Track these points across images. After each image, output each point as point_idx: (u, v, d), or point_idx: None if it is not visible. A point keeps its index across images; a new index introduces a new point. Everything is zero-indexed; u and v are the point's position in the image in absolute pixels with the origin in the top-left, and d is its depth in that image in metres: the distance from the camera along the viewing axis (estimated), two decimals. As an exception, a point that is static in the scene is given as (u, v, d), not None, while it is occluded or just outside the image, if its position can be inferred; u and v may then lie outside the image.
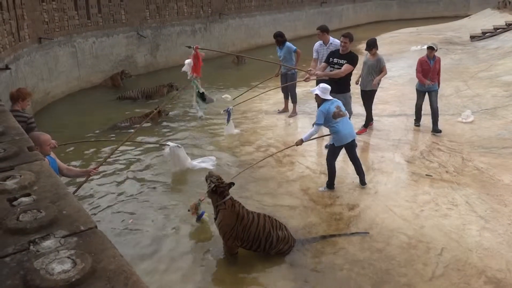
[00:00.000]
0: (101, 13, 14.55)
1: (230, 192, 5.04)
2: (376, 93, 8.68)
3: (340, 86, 7.38)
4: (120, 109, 11.36)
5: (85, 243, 1.27)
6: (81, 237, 1.30)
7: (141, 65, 16.23)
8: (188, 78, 6.75)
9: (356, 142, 7.92)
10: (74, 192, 5.35)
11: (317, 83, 8.88)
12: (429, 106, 8.44)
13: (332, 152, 6.45)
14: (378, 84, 8.42)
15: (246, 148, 8.35)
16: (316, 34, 8.98)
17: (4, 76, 9.29)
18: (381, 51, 16.72)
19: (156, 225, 5.87)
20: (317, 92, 6.27)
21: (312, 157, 7.81)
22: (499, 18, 19.83)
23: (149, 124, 9.54)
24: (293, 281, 4.74)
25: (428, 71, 8.33)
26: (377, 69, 8.21)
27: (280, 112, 10.30)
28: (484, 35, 17.64)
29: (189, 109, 10.65)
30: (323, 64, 7.97)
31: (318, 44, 8.92)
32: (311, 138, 6.45)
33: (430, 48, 8.29)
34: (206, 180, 5.05)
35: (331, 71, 7.67)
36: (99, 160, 7.39)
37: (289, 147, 7.37)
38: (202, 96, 7.18)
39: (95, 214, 6.05)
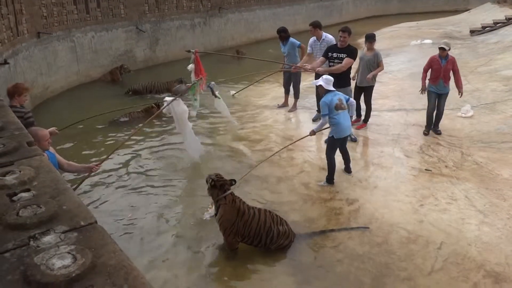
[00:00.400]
0: (100, 8, 14.50)
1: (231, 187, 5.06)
2: (376, 88, 8.65)
3: (340, 81, 7.37)
4: (120, 104, 11.33)
5: (85, 238, 1.26)
6: (81, 232, 1.30)
7: (140, 59, 16.20)
8: (193, 82, 7.06)
9: (356, 137, 7.96)
10: (75, 188, 5.35)
11: (316, 77, 8.90)
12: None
13: (332, 145, 6.49)
14: (375, 79, 8.39)
15: (246, 143, 8.34)
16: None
17: (2, 71, 9.28)
18: (381, 45, 16.76)
19: (155, 219, 5.88)
20: (321, 83, 6.34)
21: (311, 152, 7.81)
22: (499, 13, 19.77)
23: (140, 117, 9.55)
24: (293, 275, 4.76)
25: (439, 71, 7.72)
26: (374, 64, 8.17)
27: (280, 106, 10.29)
28: (484, 29, 17.59)
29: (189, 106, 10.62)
30: (321, 58, 7.95)
31: (312, 39, 8.95)
32: (322, 128, 6.61)
33: (441, 49, 7.70)
34: (207, 181, 5.06)
35: (330, 65, 7.66)
36: (99, 153, 7.39)
37: (302, 138, 7.45)
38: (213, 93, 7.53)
39: (96, 207, 6.06)
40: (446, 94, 7.90)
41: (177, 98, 7.05)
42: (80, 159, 7.71)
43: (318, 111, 9.09)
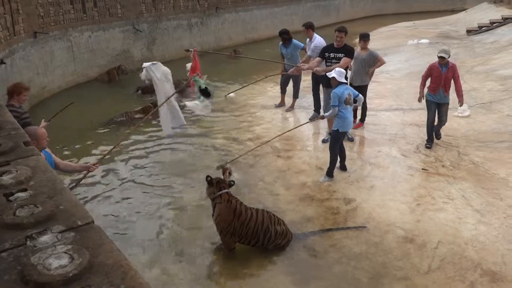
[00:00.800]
0: (96, 7, 14.47)
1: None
2: (373, 87, 8.67)
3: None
4: (117, 103, 11.32)
5: (82, 238, 1.26)
6: (78, 232, 1.30)
7: (138, 59, 16.14)
8: (189, 79, 6.96)
9: (353, 136, 7.98)
10: (72, 188, 5.34)
11: (313, 77, 8.93)
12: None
13: (337, 138, 6.59)
14: (370, 78, 8.41)
15: (241, 141, 8.35)
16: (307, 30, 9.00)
17: (-1, 71, 9.25)
18: (378, 45, 16.80)
19: (152, 219, 5.88)
20: (334, 75, 6.45)
21: (309, 151, 7.82)
22: (495, 12, 19.83)
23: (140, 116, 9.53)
24: (290, 275, 4.76)
25: (439, 80, 7.20)
26: (370, 62, 8.18)
27: (277, 106, 10.30)
28: (481, 29, 17.64)
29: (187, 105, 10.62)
30: (317, 58, 7.95)
31: (308, 40, 9.02)
32: (329, 116, 6.75)
33: (441, 58, 7.15)
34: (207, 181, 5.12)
35: (327, 65, 7.66)
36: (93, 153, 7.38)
37: (305, 124, 7.76)
38: (205, 92, 7.28)
39: (92, 207, 6.04)
40: (447, 103, 7.38)
41: (156, 62, 6.69)
42: (76, 159, 7.70)
43: (315, 110, 9.11)
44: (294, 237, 5.25)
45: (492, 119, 8.52)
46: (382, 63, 8.38)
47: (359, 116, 8.68)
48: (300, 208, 6.02)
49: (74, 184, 5.72)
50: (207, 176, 5.07)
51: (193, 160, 7.72)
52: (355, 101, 6.59)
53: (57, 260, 1.16)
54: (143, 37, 16.22)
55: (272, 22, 22.53)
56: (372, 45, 8.36)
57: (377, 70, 8.94)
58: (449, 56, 7.19)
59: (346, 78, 7.95)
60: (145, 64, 6.64)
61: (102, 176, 7.15)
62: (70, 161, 7.07)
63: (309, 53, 8.89)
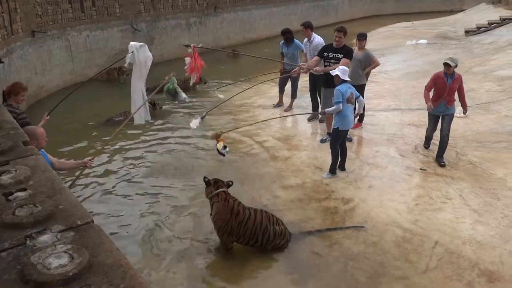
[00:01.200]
0: (95, 6, 14.46)
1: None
2: (371, 87, 8.67)
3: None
4: (115, 102, 11.30)
5: (82, 238, 1.27)
6: (78, 231, 1.30)
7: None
8: (186, 75, 6.82)
9: (351, 136, 7.98)
10: (70, 186, 5.34)
11: (310, 76, 8.92)
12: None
13: (337, 136, 6.63)
14: (367, 77, 8.42)
15: (239, 142, 8.35)
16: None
17: (-3, 70, 9.23)
18: (376, 45, 16.83)
19: (150, 218, 5.88)
20: (337, 73, 6.48)
21: (307, 151, 7.82)
22: (493, 13, 19.87)
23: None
24: (289, 274, 4.77)
25: (443, 91, 6.69)
26: (366, 63, 8.19)
27: (275, 106, 10.30)
28: (479, 30, 17.67)
29: (183, 103, 10.63)
30: (315, 58, 7.94)
31: (305, 40, 8.98)
32: (331, 112, 6.74)
33: (446, 65, 6.63)
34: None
35: (326, 65, 7.67)
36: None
37: (304, 113, 7.94)
38: (174, 93, 7.09)
39: (91, 206, 6.04)
40: (451, 115, 6.84)
41: (144, 44, 6.29)
42: (74, 159, 7.69)
43: (313, 110, 9.11)
44: (292, 237, 5.25)
45: (490, 120, 8.53)
46: (377, 64, 8.38)
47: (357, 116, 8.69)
48: (299, 208, 6.02)
49: (71, 181, 5.73)
50: (205, 177, 5.07)
51: (189, 160, 7.72)
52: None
53: (57, 260, 1.16)
54: (141, 36, 16.19)
55: (271, 21, 22.55)
56: (370, 45, 8.38)
57: (375, 70, 8.96)
58: (455, 66, 6.64)
59: None
60: (132, 44, 6.24)
61: (98, 175, 7.15)
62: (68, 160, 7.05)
63: (309, 54, 8.84)
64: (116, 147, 8.24)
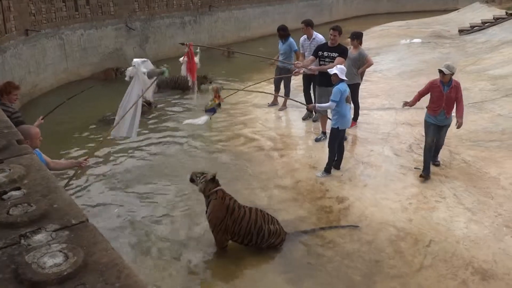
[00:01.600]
0: (89, 5, 14.39)
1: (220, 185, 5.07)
2: (366, 86, 8.69)
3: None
4: (110, 102, 11.25)
5: (77, 237, 1.26)
6: (73, 230, 1.29)
7: (130, 57, 15.96)
8: (183, 75, 6.79)
9: (346, 135, 8.00)
10: (65, 185, 5.31)
11: (304, 75, 8.91)
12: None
13: (336, 136, 6.67)
14: (362, 76, 8.44)
15: (234, 141, 8.35)
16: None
17: (-10, 68, 9.18)
18: (370, 44, 16.84)
19: (144, 217, 5.87)
20: (336, 71, 6.46)
21: (302, 150, 7.84)
22: (487, 12, 19.96)
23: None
24: (284, 273, 4.78)
25: (440, 99, 6.26)
26: (359, 62, 8.20)
27: (270, 105, 10.29)
28: (472, 29, 17.75)
29: (181, 101, 10.61)
30: (311, 57, 7.95)
31: (303, 38, 8.94)
32: (323, 109, 6.88)
33: (441, 73, 6.20)
34: (192, 180, 5.07)
35: (321, 64, 7.68)
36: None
37: (297, 101, 8.00)
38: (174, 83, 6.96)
39: (85, 205, 6.02)
40: (448, 126, 6.59)
41: (146, 60, 6.23)
42: (67, 158, 7.66)
43: (308, 109, 9.10)
44: (287, 236, 5.26)
45: (484, 119, 8.58)
46: (370, 64, 8.37)
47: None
48: (294, 207, 6.03)
49: (66, 181, 5.70)
50: (202, 176, 5.02)
51: (182, 159, 7.70)
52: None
53: (52, 259, 1.16)
54: (136, 35, 16.16)
55: (265, 20, 22.55)
56: (364, 44, 8.37)
57: (369, 69, 8.97)
58: (452, 74, 6.21)
59: None
60: (135, 60, 6.24)
61: (94, 174, 7.12)
62: (62, 159, 7.02)
63: (308, 51, 8.77)
64: (110, 147, 8.20)
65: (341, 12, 28.98)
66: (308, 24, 8.78)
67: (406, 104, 6.80)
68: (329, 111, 7.15)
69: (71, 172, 6.00)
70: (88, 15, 14.37)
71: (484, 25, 17.55)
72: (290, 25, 10.10)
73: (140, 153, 8.03)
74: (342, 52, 7.50)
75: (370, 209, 5.85)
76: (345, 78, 6.57)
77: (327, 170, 6.74)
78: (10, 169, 1.66)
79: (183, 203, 6.21)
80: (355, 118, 8.66)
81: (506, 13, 17.60)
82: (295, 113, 9.66)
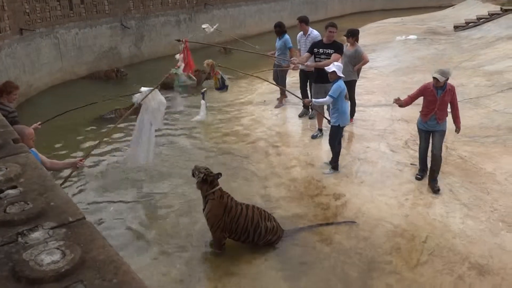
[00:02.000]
0: (83, 4, 14.34)
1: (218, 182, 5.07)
2: (362, 83, 8.70)
3: (327, 76, 7.40)
4: (107, 101, 11.22)
5: (74, 234, 1.26)
6: (70, 228, 1.30)
7: (125, 56, 16.06)
8: (179, 72, 6.72)
9: (342, 132, 8.01)
10: (61, 184, 5.31)
11: (301, 72, 8.92)
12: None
13: (337, 133, 6.70)
14: (358, 74, 8.45)
15: (230, 138, 8.36)
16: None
17: (-15, 68, 9.14)
18: (366, 41, 16.86)
19: (142, 215, 5.87)
20: (334, 69, 6.47)
21: (298, 147, 7.84)
22: (482, 8, 20.02)
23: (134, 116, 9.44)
24: (281, 270, 4.78)
25: (433, 105, 5.91)
26: (356, 59, 8.21)
27: (267, 103, 10.29)
28: (468, 25, 17.79)
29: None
30: (306, 54, 7.96)
31: (299, 35, 8.96)
32: (320, 103, 6.94)
33: (434, 79, 5.78)
34: (193, 174, 5.05)
35: (317, 61, 7.68)
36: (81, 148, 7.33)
37: (293, 94, 8.01)
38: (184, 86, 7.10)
39: (81, 203, 6.01)
40: (441, 131, 6.08)
41: (154, 89, 6.10)
42: (64, 156, 7.64)
43: (304, 106, 9.12)
44: (284, 233, 5.27)
45: (479, 114, 8.61)
46: (366, 61, 8.37)
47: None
48: (290, 204, 6.04)
49: (62, 181, 5.69)
50: (200, 173, 5.01)
51: (178, 157, 7.69)
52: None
53: (49, 256, 1.16)
54: (131, 34, 16.11)
55: (261, 18, 22.53)
56: (360, 41, 8.39)
57: (365, 66, 8.98)
58: (447, 79, 5.80)
59: None
60: (143, 89, 6.10)
61: (91, 173, 7.11)
62: (58, 158, 7.01)
63: (304, 48, 8.77)
64: (107, 146, 8.19)
65: (336, 9, 29.00)
66: (302, 21, 8.81)
67: (397, 101, 6.30)
68: (326, 112, 7.16)
69: (67, 172, 5.98)
70: (83, 14, 14.32)
71: (479, 21, 17.59)
72: (286, 23, 10.08)
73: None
74: (337, 48, 7.51)
75: (366, 206, 5.87)
76: (342, 76, 6.57)
77: (335, 168, 6.79)
78: (6, 168, 1.66)
79: (180, 201, 6.21)
80: (352, 115, 8.68)
81: (501, 9, 17.66)
82: (292, 111, 9.68)
